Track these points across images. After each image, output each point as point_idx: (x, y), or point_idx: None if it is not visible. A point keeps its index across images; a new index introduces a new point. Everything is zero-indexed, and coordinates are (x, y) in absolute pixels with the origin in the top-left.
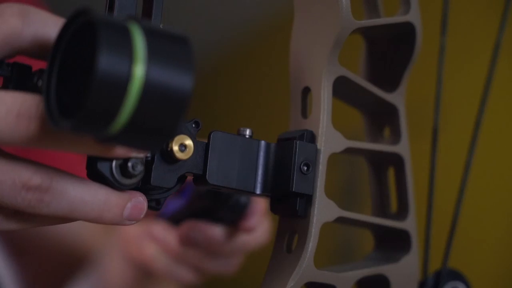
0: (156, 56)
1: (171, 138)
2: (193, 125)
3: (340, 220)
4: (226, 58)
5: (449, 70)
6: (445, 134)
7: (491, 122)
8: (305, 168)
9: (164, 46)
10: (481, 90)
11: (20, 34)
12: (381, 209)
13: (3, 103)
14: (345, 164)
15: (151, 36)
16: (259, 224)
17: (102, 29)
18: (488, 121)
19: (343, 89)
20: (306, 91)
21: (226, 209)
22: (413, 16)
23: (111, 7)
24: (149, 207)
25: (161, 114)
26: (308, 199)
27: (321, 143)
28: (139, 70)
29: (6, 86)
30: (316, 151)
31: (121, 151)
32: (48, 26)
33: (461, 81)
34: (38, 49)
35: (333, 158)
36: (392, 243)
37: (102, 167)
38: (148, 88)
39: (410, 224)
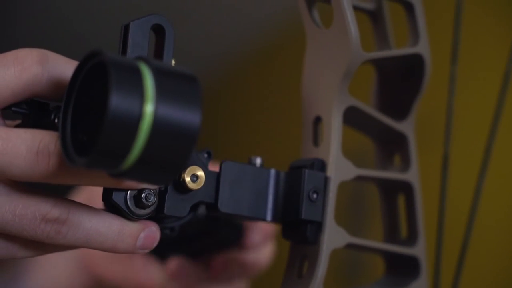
0: (165, 95)
1: (181, 172)
2: (205, 155)
3: (349, 246)
4: (236, 79)
5: (459, 92)
6: (454, 156)
7: (501, 146)
8: (314, 196)
9: (173, 85)
10: (492, 115)
11: (40, 81)
12: (392, 235)
13: (23, 141)
14: (353, 183)
15: (160, 75)
16: (263, 243)
17: (113, 70)
18: (498, 145)
19: (354, 118)
20: (318, 120)
21: (225, 228)
22: (422, 48)
23: (124, 45)
24: (164, 233)
25: (170, 151)
26: (318, 225)
27: (331, 172)
28: (149, 109)
29: (25, 123)
30: (325, 179)
31: (134, 183)
32: (65, 70)
33: (471, 105)
34: (55, 92)
35: None
36: (402, 268)
37: (117, 198)
38: (158, 126)
39: (420, 250)
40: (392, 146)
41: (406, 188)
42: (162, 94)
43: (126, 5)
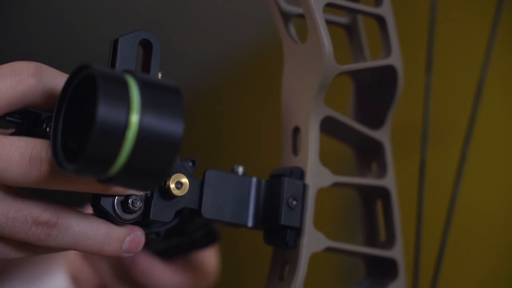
0: (150, 106)
1: (165, 178)
2: (190, 164)
3: (328, 250)
4: (221, 89)
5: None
6: (432, 158)
7: (478, 150)
8: (293, 202)
9: (157, 96)
10: (467, 122)
11: (35, 92)
12: (371, 238)
13: (17, 148)
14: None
15: (146, 87)
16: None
17: (101, 81)
18: (475, 149)
19: (331, 128)
20: (296, 130)
21: (200, 232)
22: (394, 59)
23: (113, 59)
24: (150, 238)
25: (155, 158)
26: (297, 231)
27: (309, 179)
28: (134, 119)
29: (19, 132)
30: (304, 187)
31: (120, 188)
32: (58, 82)
33: (448, 112)
34: (49, 103)
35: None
36: (381, 270)
37: (105, 203)
38: (143, 135)
39: (397, 252)
40: (369, 153)
41: (383, 194)
42: (147, 105)
43: (128, 10)
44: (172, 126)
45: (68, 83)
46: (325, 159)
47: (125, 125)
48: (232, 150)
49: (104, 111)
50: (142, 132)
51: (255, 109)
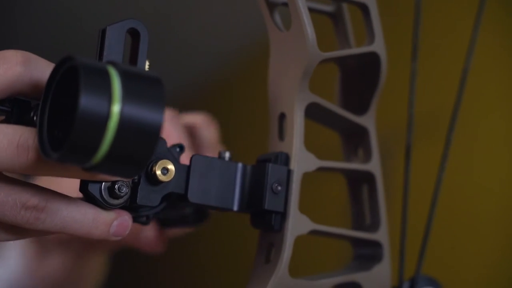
0: (131, 96)
1: (147, 166)
2: (177, 149)
3: (313, 232)
4: (214, 83)
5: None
6: (422, 141)
7: (463, 134)
8: (278, 188)
9: (138, 87)
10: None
11: (22, 80)
12: (358, 222)
13: (5, 135)
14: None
15: (127, 78)
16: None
17: (83, 73)
18: (460, 133)
19: (317, 114)
20: (282, 116)
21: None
22: (378, 46)
23: (101, 48)
24: (140, 222)
25: (136, 147)
26: (282, 214)
27: (294, 164)
28: (116, 109)
29: (8, 120)
30: (288, 172)
31: (105, 176)
32: (46, 71)
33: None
34: (36, 92)
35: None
36: (367, 253)
37: (93, 189)
38: (124, 124)
39: (382, 235)
40: (355, 139)
41: (368, 178)
42: (128, 95)
43: (134, 2)
44: (153, 116)
45: (53, 74)
46: (316, 145)
47: (107, 115)
48: (222, 137)
49: (86, 102)
50: (123, 122)
51: (243, 96)
